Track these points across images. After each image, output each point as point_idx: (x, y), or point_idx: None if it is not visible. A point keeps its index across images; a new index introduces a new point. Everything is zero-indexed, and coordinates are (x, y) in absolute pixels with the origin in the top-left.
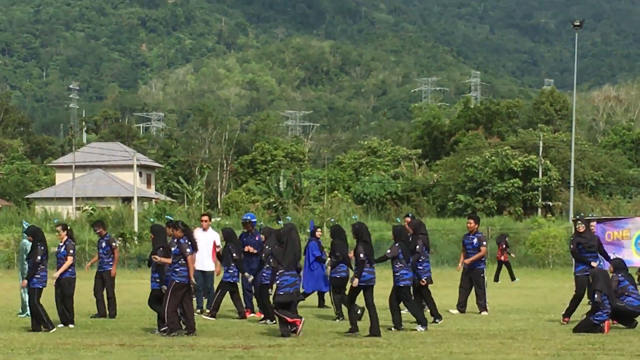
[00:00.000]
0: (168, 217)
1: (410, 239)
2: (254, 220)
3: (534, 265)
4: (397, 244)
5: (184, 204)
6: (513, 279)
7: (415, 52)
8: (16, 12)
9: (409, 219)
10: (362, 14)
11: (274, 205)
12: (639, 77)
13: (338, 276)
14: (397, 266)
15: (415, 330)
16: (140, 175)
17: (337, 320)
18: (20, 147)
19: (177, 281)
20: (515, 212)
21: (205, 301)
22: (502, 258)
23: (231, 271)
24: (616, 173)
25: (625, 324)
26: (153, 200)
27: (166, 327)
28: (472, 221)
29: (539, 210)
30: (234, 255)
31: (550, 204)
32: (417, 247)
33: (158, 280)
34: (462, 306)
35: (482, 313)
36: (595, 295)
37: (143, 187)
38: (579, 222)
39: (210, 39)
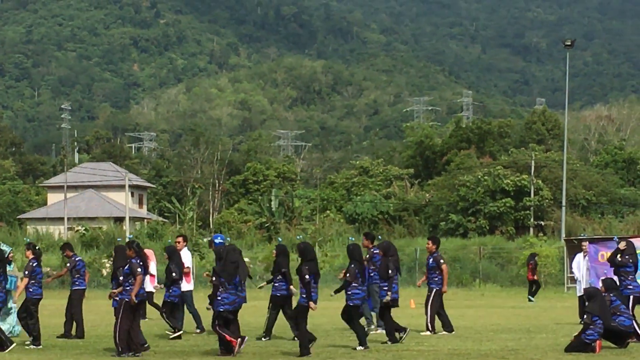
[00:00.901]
0: (129, 237)
1: (381, 261)
2: (215, 240)
3: (525, 284)
4: (352, 265)
5: (175, 224)
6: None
7: (407, 71)
8: (8, 32)
9: (365, 238)
10: (354, 33)
11: (266, 225)
12: (631, 96)
13: (279, 294)
14: (351, 285)
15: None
16: (132, 195)
17: (264, 339)
18: (12, 167)
19: (127, 300)
20: (507, 232)
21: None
22: (530, 277)
23: (170, 291)
24: (608, 192)
25: (616, 344)
26: (145, 220)
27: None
28: (429, 242)
29: (531, 229)
30: (174, 274)
31: (542, 223)
32: (390, 271)
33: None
34: (447, 327)
35: (424, 333)
36: (585, 316)
37: (135, 207)
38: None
39: (202, 59)
